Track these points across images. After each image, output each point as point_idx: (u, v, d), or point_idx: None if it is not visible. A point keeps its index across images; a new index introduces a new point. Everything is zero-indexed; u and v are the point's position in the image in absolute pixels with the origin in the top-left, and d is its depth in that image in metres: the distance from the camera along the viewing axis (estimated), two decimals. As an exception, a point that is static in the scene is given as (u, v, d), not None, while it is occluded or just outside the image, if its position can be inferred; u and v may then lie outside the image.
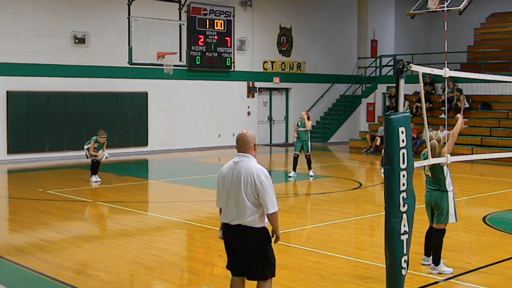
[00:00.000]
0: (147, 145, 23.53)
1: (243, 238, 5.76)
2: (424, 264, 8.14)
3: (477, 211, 12.39)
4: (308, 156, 17.03)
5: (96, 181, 15.75)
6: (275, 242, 5.91)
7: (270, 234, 5.88)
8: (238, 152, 5.88)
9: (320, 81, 29.10)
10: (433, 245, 7.95)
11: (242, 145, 5.85)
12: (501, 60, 27.13)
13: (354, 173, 20.50)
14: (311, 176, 16.90)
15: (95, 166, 15.84)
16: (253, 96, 26.92)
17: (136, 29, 19.03)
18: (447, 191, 7.87)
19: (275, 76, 27.56)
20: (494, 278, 7.83)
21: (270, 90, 27.93)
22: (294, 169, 16.95)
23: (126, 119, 22.86)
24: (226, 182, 5.83)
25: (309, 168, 17.01)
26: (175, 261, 8.77)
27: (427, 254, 8.17)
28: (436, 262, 7.88)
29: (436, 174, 7.87)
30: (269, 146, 27.22)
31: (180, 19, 20.27)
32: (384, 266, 6.40)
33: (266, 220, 5.80)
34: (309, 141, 16.97)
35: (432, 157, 7.30)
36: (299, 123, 17.09)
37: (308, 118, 17.02)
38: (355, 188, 15.58)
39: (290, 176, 16.78)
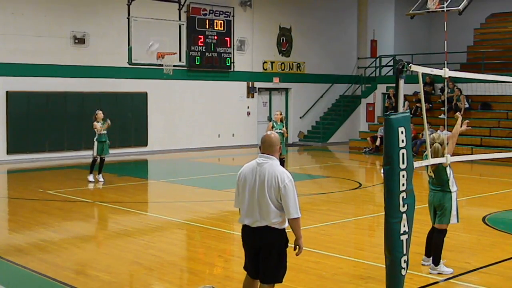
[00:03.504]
0: (146, 145, 23.53)
1: (265, 239, 5.66)
2: (424, 265, 8.14)
3: (477, 211, 12.39)
4: (283, 159, 15.85)
5: (100, 181, 15.78)
6: (297, 254, 5.75)
7: (293, 245, 5.76)
8: (262, 153, 5.77)
9: (320, 81, 29.10)
10: (434, 245, 7.94)
11: (267, 146, 5.74)
12: (500, 60, 27.12)
13: (354, 173, 20.50)
14: None
15: (100, 164, 15.90)
16: (252, 96, 26.92)
17: (135, 29, 19.01)
18: (450, 191, 7.83)
19: (274, 76, 27.56)
20: (493, 278, 7.83)
21: (269, 90, 27.93)
22: None
23: (126, 119, 22.85)
24: (247, 183, 5.72)
25: None
26: (175, 261, 8.77)
27: (427, 254, 8.16)
28: (436, 262, 7.88)
29: (439, 175, 7.84)
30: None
31: (179, 19, 20.24)
32: (384, 266, 6.40)
33: (286, 224, 5.70)
34: (284, 143, 15.89)
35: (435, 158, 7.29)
36: (274, 124, 15.97)
37: (282, 120, 16.13)
38: (355, 188, 15.58)
39: None
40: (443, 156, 7.66)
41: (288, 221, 5.65)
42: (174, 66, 20.66)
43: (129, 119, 22.98)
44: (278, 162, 5.75)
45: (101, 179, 15.87)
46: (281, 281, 5.80)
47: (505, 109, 23.74)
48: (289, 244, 5.81)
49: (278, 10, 27.59)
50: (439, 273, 7.81)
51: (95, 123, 16.01)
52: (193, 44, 24.32)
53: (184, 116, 24.61)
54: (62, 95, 21.27)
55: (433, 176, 7.90)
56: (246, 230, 5.80)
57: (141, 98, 23.31)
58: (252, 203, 5.68)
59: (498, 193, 14.84)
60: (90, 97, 21.79)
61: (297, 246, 5.73)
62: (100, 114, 16.14)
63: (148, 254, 8.98)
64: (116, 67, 22.24)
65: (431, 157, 7.33)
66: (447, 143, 7.82)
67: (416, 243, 7.76)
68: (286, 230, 5.76)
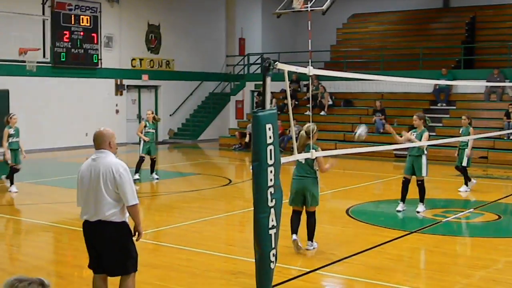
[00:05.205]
0: (9, 145, 22.41)
1: (103, 234, 5.77)
2: (301, 249, 8.63)
3: (340, 204, 12.92)
4: (154, 159, 16.15)
5: (16, 191, 14.19)
6: (137, 239, 5.96)
7: (132, 230, 5.93)
8: (96, 149, 5.93)
9: (189, 79, 29.13)
10: (310, 225, 8.81)
11: (99, 142, 5.92)
12: (361, 59, 28.38)
13: (224, 170, 20.72)
14: (157, 178, 15.90)
15: (13, 173, 14.40)
16: (121, 94, 26.46)
17: (-5, 23, 18.18)
18: (317, 177, 8.73)
19: (143, 74, 27.24)
20: (357, 267, 8.22)
21: (138, 87, 27.58)
22: (138, 171, 15.65)
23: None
24: (85, 179, 5.84)
25: (154, 171, 16.05)
26: (42, 265, 8.47)
27: (295, 232, 8.79)
28: (311, 238, 8.80)
29: (310, 164, 8.60)
30: (138, 144, 26.80)
31: (43, 14, 19.56)
32: (254, 260, 6.54)
33: (127, 215, 5.85)
34: (154, 142, 16.19)
35: (299, 147, 7.77)
36: (147, 123, 16.17)
37: (154, 119, 16.30)
38: (225, 185, 15.75)
39: (137, 179, 15.17)
40: (306, 144, 8.34)
41: (128, 210, 5.81)
42: (37, 62, 19.93)
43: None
44: (112, 156, 5.91)
45: (15, 189, 14.33)
46: (133, 271, 5.90)
47: (365, 105, 24.87)
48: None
49: (146, 7, 27.29)
50: (314, 248, 8.72)
51: (6, 131, 14.36)
52: (58, 40, 23.49)
53: (50, 115, 23.72)
54: None
55: (304, 163, 8.60)
56: (86, 225, 5.91)
57: (2, 96, 22.18)
58: (89, 198, 5.81)
59: (360, 186, 15.56)
60: None
61: (137, 233, 5.96)
62: (14, 118, 14.56)
63: (13, 259, 8.62)
64: (-26, 63, 21.06)
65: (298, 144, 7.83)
66: (314, 135, 8.37)
67: (283, 236, 7.97)
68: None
